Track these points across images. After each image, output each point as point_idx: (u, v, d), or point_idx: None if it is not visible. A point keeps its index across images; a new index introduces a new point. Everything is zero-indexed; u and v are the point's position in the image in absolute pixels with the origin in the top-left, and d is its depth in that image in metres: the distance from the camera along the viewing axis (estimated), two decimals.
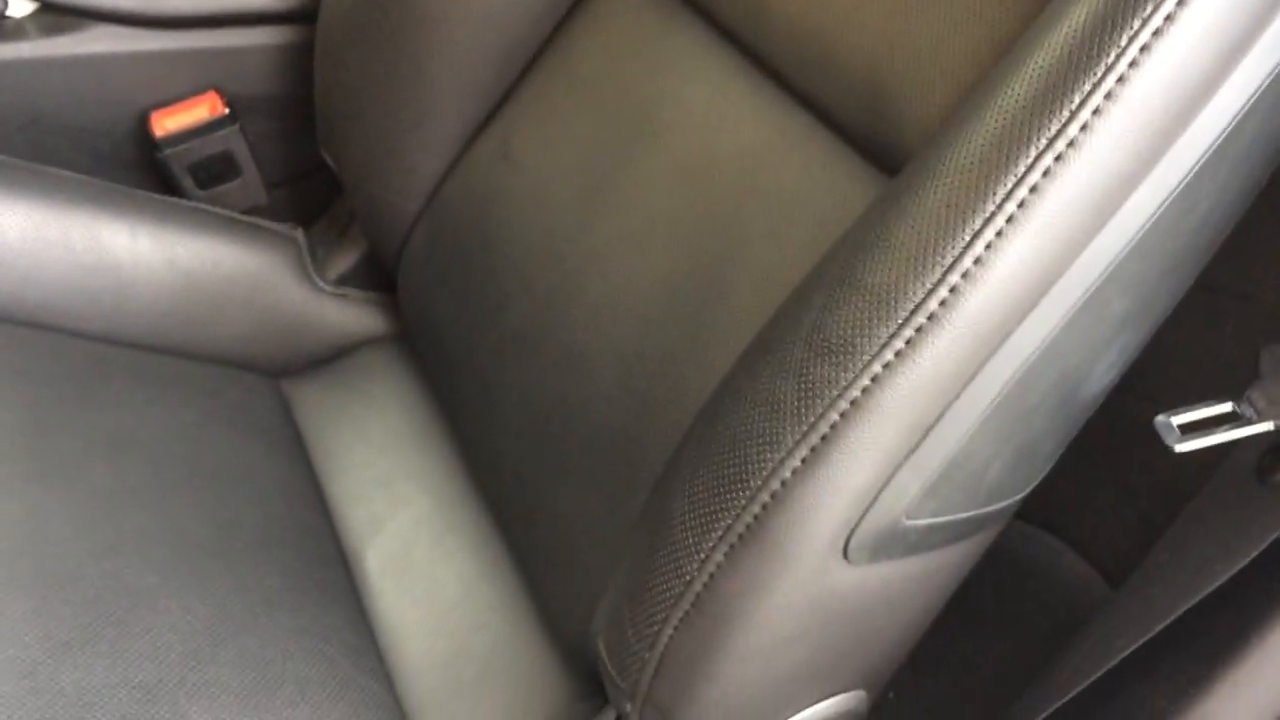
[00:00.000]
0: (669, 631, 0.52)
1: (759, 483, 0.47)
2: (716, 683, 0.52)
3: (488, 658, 0.73)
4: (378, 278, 0.94)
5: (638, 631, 0.53)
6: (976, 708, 0.80)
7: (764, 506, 0.47)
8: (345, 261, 0.93)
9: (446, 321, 0.82)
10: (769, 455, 0.47)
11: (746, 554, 0.48)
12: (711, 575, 0.49)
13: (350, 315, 0.93)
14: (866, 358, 0.44)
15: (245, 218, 0.91)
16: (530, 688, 0.72)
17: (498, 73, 0.81)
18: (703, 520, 0.49)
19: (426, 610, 0.76)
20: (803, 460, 0.46)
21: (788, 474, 0.46)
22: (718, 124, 0.68)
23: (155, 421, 0.78)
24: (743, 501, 0.48)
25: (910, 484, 0.47)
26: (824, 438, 0.45)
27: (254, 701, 0.65)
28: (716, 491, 0.49)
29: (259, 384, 0.89)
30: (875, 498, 0.47)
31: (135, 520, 0.70)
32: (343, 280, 0.93)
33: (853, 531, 0.48)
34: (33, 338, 0.79)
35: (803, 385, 0.46)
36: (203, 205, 0.90)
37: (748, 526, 0.47)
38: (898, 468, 0.46)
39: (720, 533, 0.48)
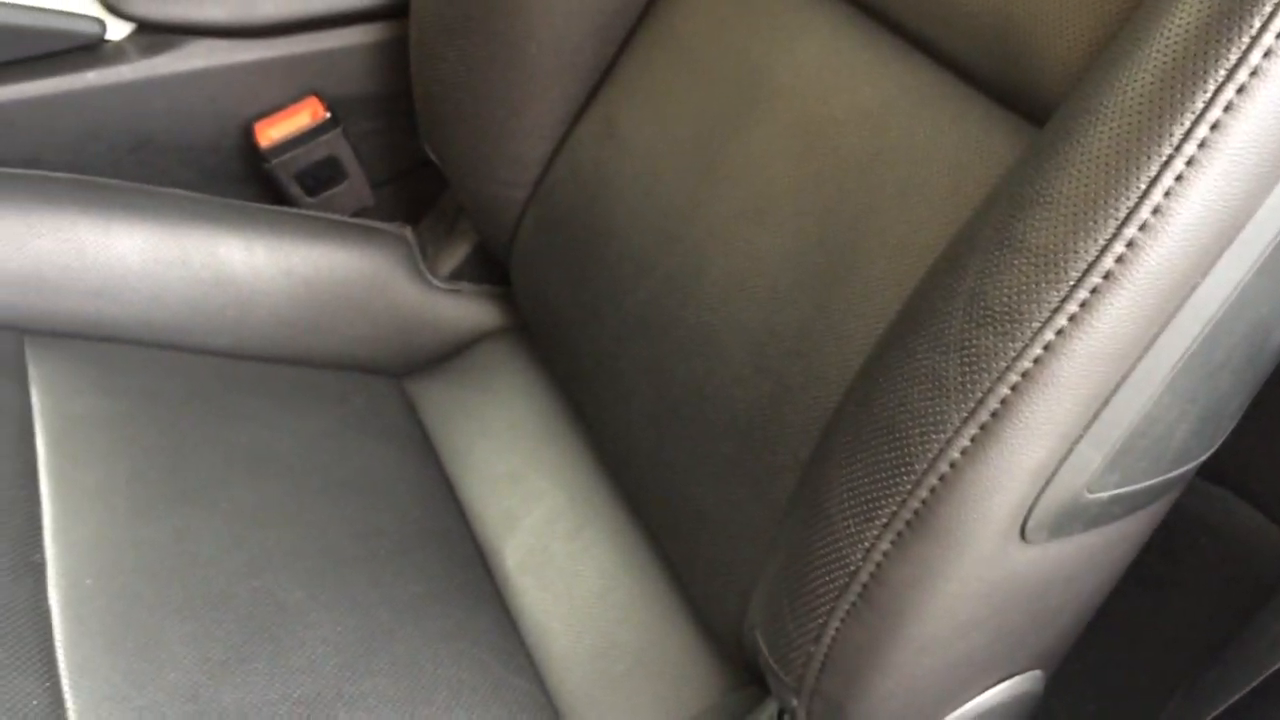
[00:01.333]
0: (835, 624, 0.49)
1: (924, 466, 0.44)
2: (889, 674, 0.50)
3: (637, 650, 0.72)
4: (490, 271, 0.92)
5: (800, 626, 0.51)
6: (1148, 671, 0.76)
7: (931, 490, 0.44)
8: (456, 257, 0.92)
9: (564, 311, 0.80)
10: (933, 437, 0.44)
11: (915, 541, 0.45)
12: (878, 565, 0.47)
13: (465, 310, 0.92)
14: (1036, 325, 0.41)
15: (355, 220, 0.91)
16: (682, 679, 0.70)
17: (597, 48, 0.79)
18: (864, 508, 0.47)
19: (569, 605, 0.75)
20: (971, 440, 0.43)
21: (956, 455, 0.43)
22: (834, 82, 0.64)
23: (288, 433, 0.78)
24: (908, 487, 0.45)
25: (1091, 456, 0.44)
26: (994, 414, 0.42)
27: (411, 708, 0.64)
28: (877, 477, 0.46)
29: (384, 386, 0.88)
30: (1053, 474, 0.44)
31: (279, 535, 0.70)
32: (455, 276, 0.92)
33: (1030, 511, 0.45)
34: (162, 358, 0.80)
35: (965, 359, 0.43)
36: (312, 212, 0.90)
37: (915, 513, 0.45)
38: (1076, 441, 0.43)
39: (885, 520, 0.46)
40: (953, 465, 0.43)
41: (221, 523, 0.70)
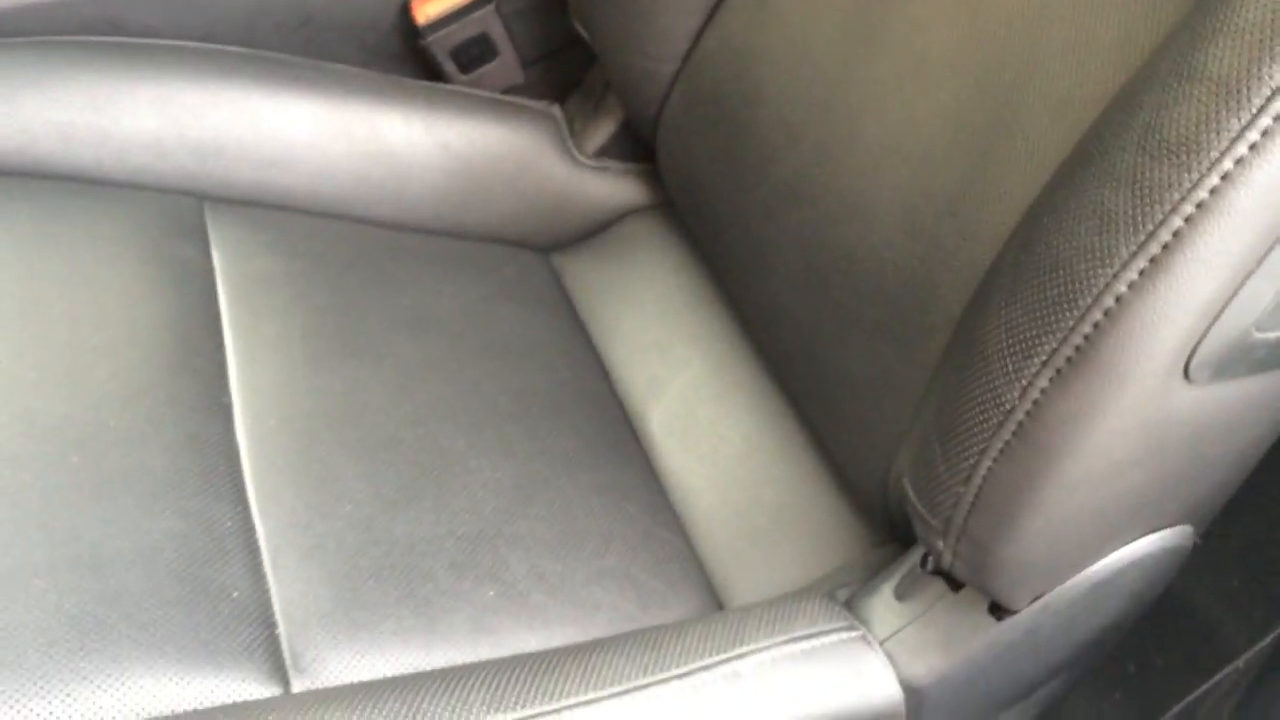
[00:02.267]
0: (987, 463, 0.50)
1: (1089, 300, 0.44)
2: (1039, 513, 0.51)
3: (779, 507, 0.74)
4: (636, 149, 0.94)
5: (951, 466, 0.52)
6: None
7: (1095, 325, 0.44)
8: (602, 134, 0.94)
9: (711, 183, 0.81)
10: (1100, 271, 0.44)
11: (1076, 377, 0.46)
12: (1035, 402, 0.47)
13: (611, 187, 0.94)
14: (1215, 154, 0.41)
15: (505, 98, 0.93)
16: (823, 536, 0.72)
17: None
18: (1023, 346, 0.47)
19: (713, 466, 0.77)
20: (1140, 273, 0.43)
21: (1123, 289, 0.43)
22: None
23: (447, 299, 0.82)
24: (1070, 322, 0.45)
25: (1264, 292, 0.43)
26: (1165, 246, 0.42)
27: (565, 551, 0.68)
28: (1038, 315, 0.46)
29: (532, 259, 0.91)
30: (1222, 309, 0.44)
31: (440, 390, 0.74)
32: (601, 153, 0.94)
33: (1195, 348, 0.45)
34: (330, 226, 0.84)
35: (1138, 192, 0.43)
36: (466, 89, 0.93)
37: (1077, 348, 0.45)
38: (1249, 275, 0.43)
39: (1045, 357, 0.46)
40: (1119, 299, 0.44)
41: (389, 375, 0.74)
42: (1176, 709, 0.72)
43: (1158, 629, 0.79)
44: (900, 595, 0.62)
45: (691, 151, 0.83)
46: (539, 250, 0.94)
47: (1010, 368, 0.48)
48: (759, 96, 0.76)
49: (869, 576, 0.65)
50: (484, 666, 0.55)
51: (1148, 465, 0.50)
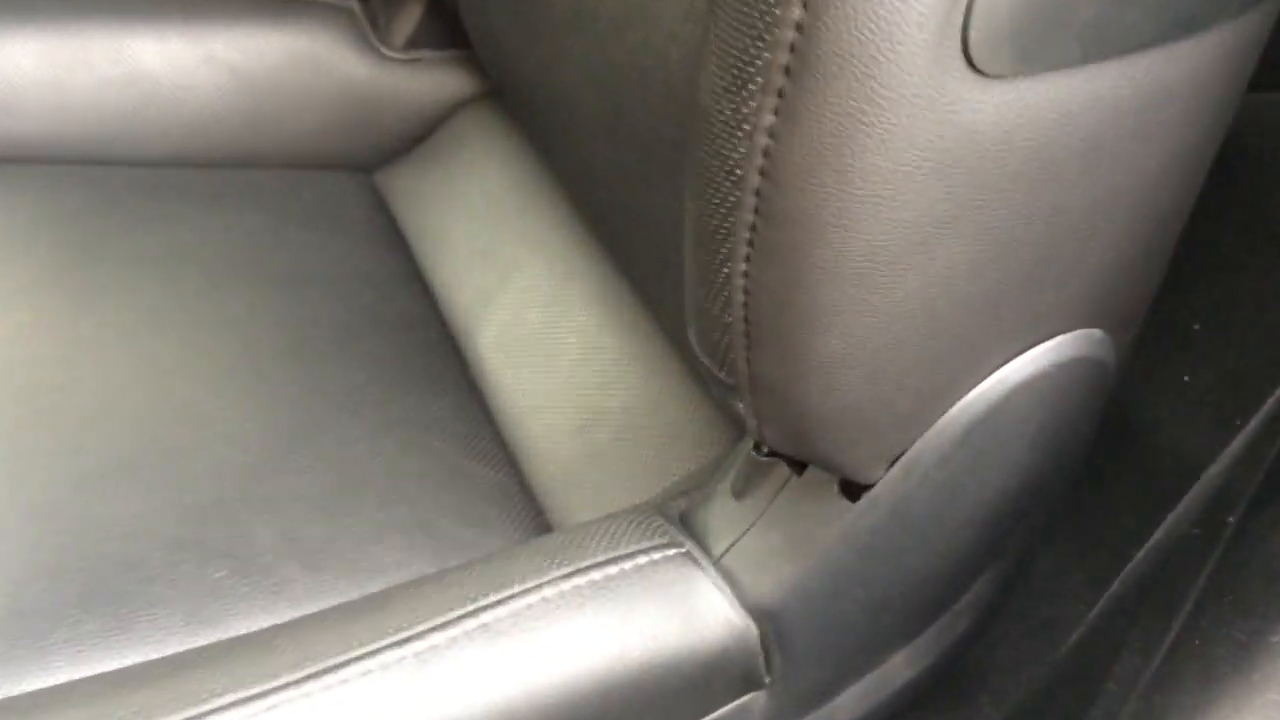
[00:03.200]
0: (740, 268, 0.34)
1: None
2: (832, 330, 0.34)
3: (624, 415, 0.58)
4: (453, 32, 0.78)
5: (709, 288, 0.36)
6: None
7: (800, 22, 0.28)
8: (410, 20, 0.78)
9: (506, 33, 0.66)
10: None
11: (805, 96, 0.29)
12: (767, 152, 0.31)
13: (430, 82, 0.78)
14: None
15: None
16: (677, 438, 0.56)
17: None
18: (734, 72, 0.31)
19: (548, 379, 0.62)
20: None
21: None
22: None
23: (216, 232, 0.67)
24: (766, 24, 0.29)
25: None
26: None
27: (335, 508, 0.53)
28: (740, 18, 0.30)
29: (344, 181, 0.76)
30: None
31: (186, 336, 0.60)
32: (413, 44, 0.78)
33: (969, 9, 0.28)
34: (72, 174, 0.70)
35: None
36: None
37: (792, 48, 0.29)
38: None
39: (759, 76, 0.30)
40: None
41: (122, 328, 0.59)
42: (1148, 545, 0.55)
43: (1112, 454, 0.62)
44: (739, 492, 0.46)
45: (490, 11, 0.68)
46: (360, 170, 0.79)
47: (728, 112, 0.32)
48: None
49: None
50: (99, 679, 0.40)
51: (963, 231, 0.33)
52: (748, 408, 0.39)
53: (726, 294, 0.35)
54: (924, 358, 0.36)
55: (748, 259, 0.34)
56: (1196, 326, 0.59)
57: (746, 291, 0.35)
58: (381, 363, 0.61)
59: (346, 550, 0.51)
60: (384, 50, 0.78)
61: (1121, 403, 0.63)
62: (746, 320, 0.35)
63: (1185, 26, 0.32)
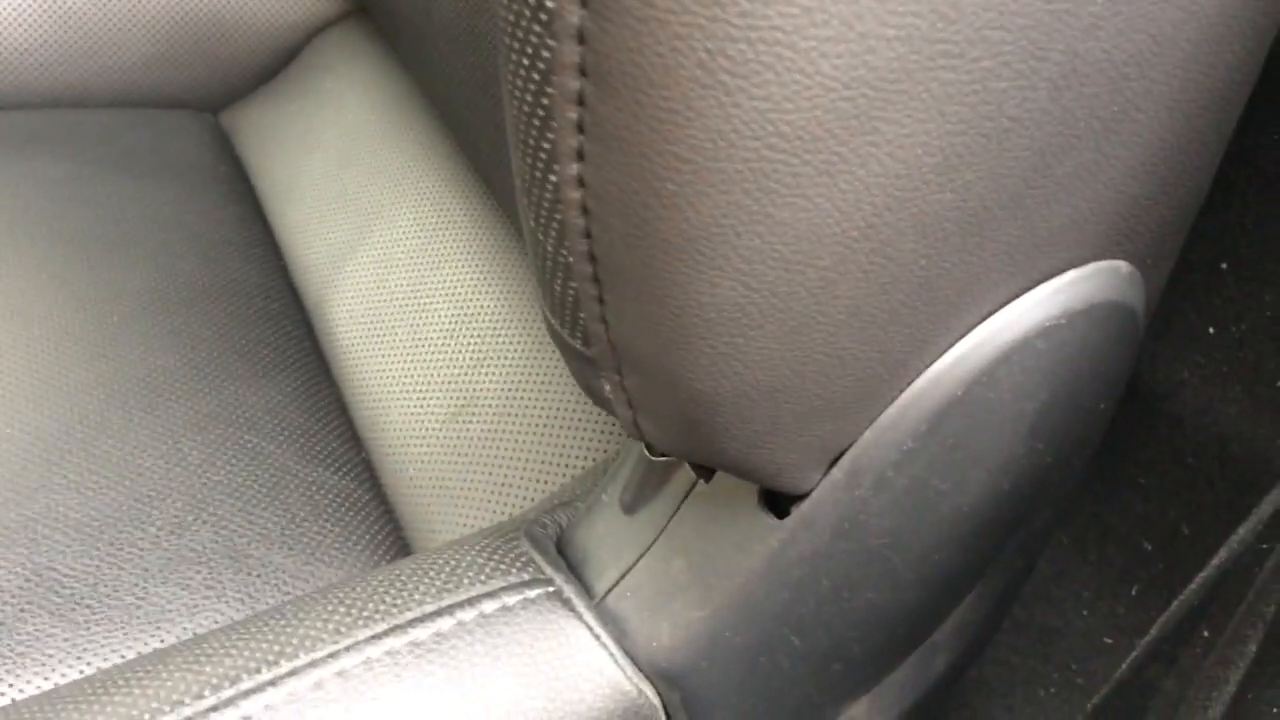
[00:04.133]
0: (571, 170, 0.21)
1: None
2: (714, 265, 0.21)
3: (501, 400, 0.46)
4: None
5: (540, 215, 0.23)
6: None
7: None
8: None
9: None
10: None
11: None
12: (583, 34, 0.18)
13: (286, 0, 0.65)
14: None
15: None
16: (565, 428, 0.43)
17: None
18: None
19: (412, 354, 0.49)
20: None
21: None
22: None
23: (11, 184, 0.54)
24: None
25: None
26: None
27: (110, 532, 0.40)
28: None
29: (183, 121, 0.63)
30: None
31: None
32: None
33: None
34: None
35: None
36: None
37: None
38: None
39: None
40: None
41: None
42: (1201, 577, 0.43)
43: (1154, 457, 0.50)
44: (629, 505, 0.33)
45: None
46: (204, 109, 0.66)
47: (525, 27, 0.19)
48: None
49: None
50: None
51: (922, 98, 0.20)
52: (616, 391, 0.26)
53: (560, 218, 0.22)
54: (869, 307, 0.24)
55: (580, 155, 0.21)
56: (1224, 265, 0.47)
57: (585, 211, 0.22)
58: (200, 342, 0.48)
59: (124, 591, 0.39)
60: None
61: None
62: (593, 258, 0.23)
63: None
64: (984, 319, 0.26)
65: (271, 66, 0.66)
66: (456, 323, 0.49)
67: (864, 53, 0.19)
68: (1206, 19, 0.24)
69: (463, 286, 0.49)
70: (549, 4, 0.19)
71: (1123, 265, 0.28)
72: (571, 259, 0.23)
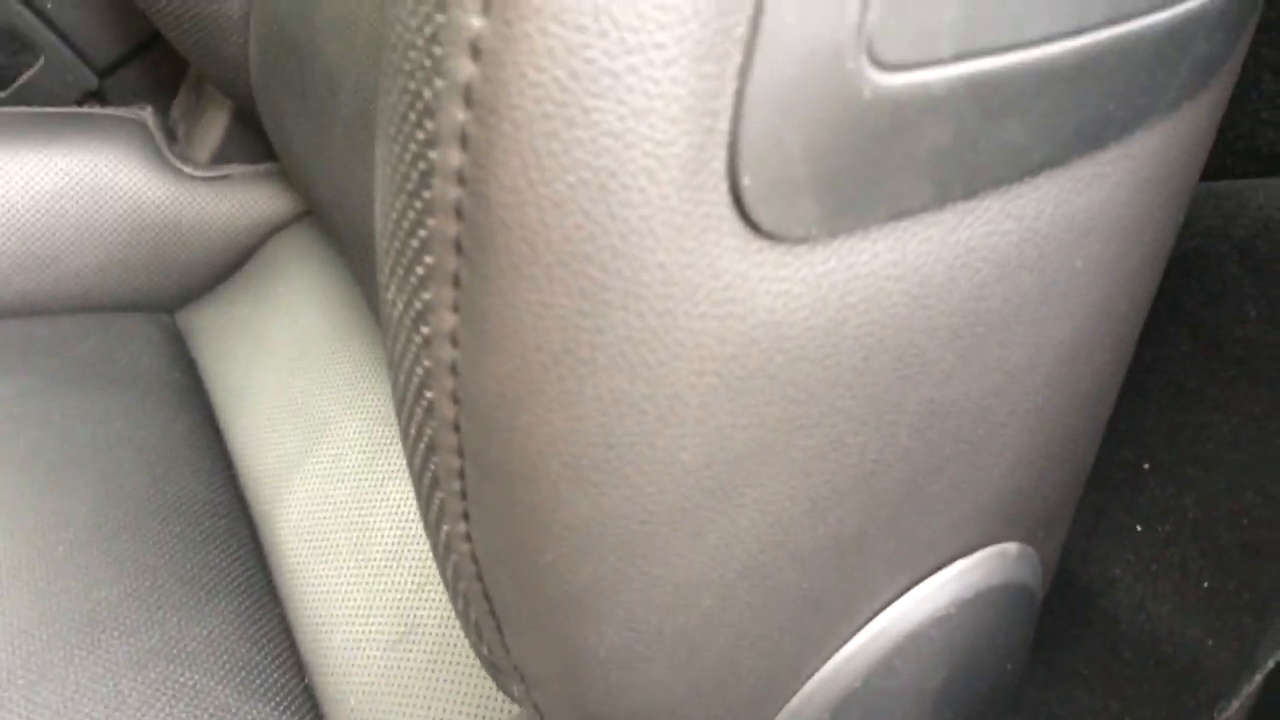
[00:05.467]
0: (461, 528, 0.22)
1: (430, 97, 0.17)
2: (600, 617, 0.22)
3: (441, 628, 0.46)
4: (266, 141, 0.67)
5: (437, 548, 0.24)
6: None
7: (462, 136, 0.17)
8: (216, 130, 0.67)
9: (307, 155, 0.55)
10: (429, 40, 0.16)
11: (484, 293, 0.18)
12: (454, 370, 0.20)
13: (239, 203, 0.67)
14: None
15: (62, 111, 0.67)
16: None
17: None
18: (403, 270, 0.20)
19: (357, 578, 0.49)
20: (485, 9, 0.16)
21: (477, 41, 0.16)
22: None
23: None
24: (423, 134, 0.18)
25: None
26: None
27: None
28: (392, 159, 0.19)
29: (138, 325, 0.64)
30: None
31: None
32: (220, 158, 0.67)
33: (734, 148, 0.17)
34: None
35: None
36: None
37: (458, 239, 0.18)
38: None
39: (425, 270, 0.19)
40: (478, 51, 0.16)
41: None
42: None
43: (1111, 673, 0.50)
44: None
45: (281, 105, 0.57)
46: (161, 310, 0.67)
47: (400, 304, 0.20)
48: (315, 11, 0.50)
49: None
50: None
51: (781, 465, 0.21)
52: (523, 696, 0.27)
53: (454, 560, 0.23)
54: (756, 630, 0.25)
55: (466, 516, 0.22)
56: (1147, 465, 0.49)
57: (476, 561, 0.23)
58: (144, 570, 0.49)
59: None
60: (185, 168, 0.66)
61: (1065, 552, 0.52)
62: (488, 598, 0.24)
63: (1092, 141, 0.22)
64: (872, 618, 0.27)
65: (227, 267, 0.67)
66: (400, 543, 0.49)
67: (720, 440, 0.20)
68: (1063, 345, 0.25)
69: (406, 505, 0.50)
70: (427, 394, 0.21)
71: (1011, 547, 0.29)
72: (470, 595, 0.24)
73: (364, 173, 0.46)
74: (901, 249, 0.20)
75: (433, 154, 0.17)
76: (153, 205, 0.65)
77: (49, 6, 0.67)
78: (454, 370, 0.19)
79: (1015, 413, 0.25)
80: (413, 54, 0.17)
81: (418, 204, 0.18)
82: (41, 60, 0.67)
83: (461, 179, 0.17)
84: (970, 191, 0.20)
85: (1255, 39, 0.40)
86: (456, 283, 0.18)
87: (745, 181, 0.17)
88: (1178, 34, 0.21)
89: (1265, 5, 0.36)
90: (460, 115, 0.17)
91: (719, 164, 0.17)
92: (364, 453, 0.53)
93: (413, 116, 0.18)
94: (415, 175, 0.18)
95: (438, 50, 0.16)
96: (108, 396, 0.58)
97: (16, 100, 0.67)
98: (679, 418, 0.19)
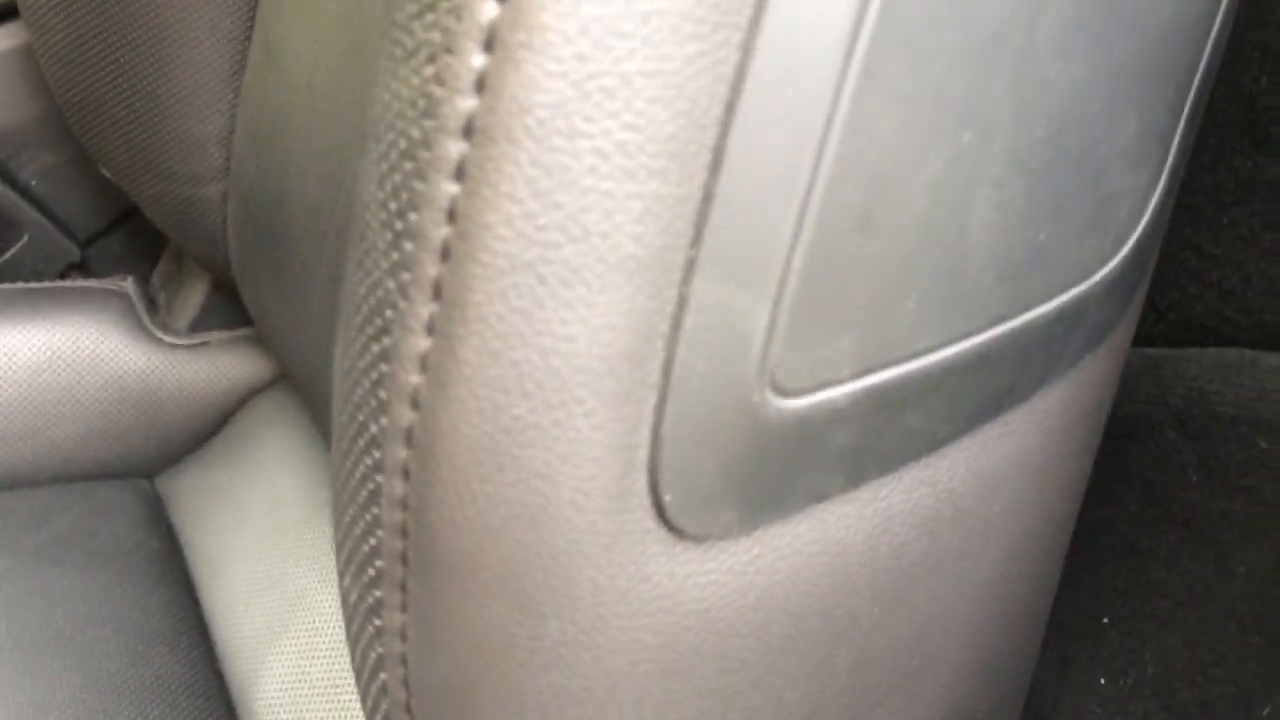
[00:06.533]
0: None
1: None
2: None
3: None
4: (243, 306, 0.69)
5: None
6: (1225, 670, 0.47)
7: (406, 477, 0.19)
8: (196, 298, 0.69)
9: (282, 324, 0.56)
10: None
11: (428, 596, 0.19)
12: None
13: (219, 367, 0.69)
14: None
15: (42, 285, 0.69)
16: None
17: None
18: (354, 572, 0.21)
19: None
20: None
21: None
22: None
23: None
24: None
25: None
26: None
27: None
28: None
29: (117, 494, 0.65)
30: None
31: None
32: (199, 325, 0.69)
33: (654, 470, 0.19)
34: None
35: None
36: None
37: (404, 553, 0.19)
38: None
39: (371, 576, 0.20)
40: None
41: None
42: None
43: None
44: None
45: (258, 281, 0.59)
46: (141, 475, 0.68)
47: (354, 568, 0.22)
48: (283, 186, 0.52)
49: None
50: None
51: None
52: None
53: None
54: None
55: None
56: (1106, 620, 0.50)
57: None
58: None
59: None
60: (165, 336, 0.68)
61: (1035, 695, 0.53)
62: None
63: (996, 410, 0.23)
64: None
65: (206, 431, 0.69)
66: None
67: (659, 715, 0.21)
68: (990, 580, 0.27)
69: None
70: (382, 675, 0.22)
71: None
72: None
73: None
74: (821, 527, 0.22)
75: (379, 478, 0.19)
76: (134, 374, 0.67)
77: (33, 184, 0.69)
78: (404, 661, 0.21)
79: (948, 643, 0.27)
80: (359, 392, 0.19)
81: (368, 516, 0.20)
82: (26, 237, 0.69)
83: (405, 505, 0.19)
84: (883, 470, 0.22)
85: (1175, 220, 0.42)
86: (404, 588, 0.20)
87: (667, 499, 0.19)
88: (1068, 315, 0.23)
89: (1181, 189, 0.38)
90: (402, 453, 0.18)
91: (641, 487, 0.19)
92: (339, 628, 0.54)
93: (360, 444, 0.19)
94: (364, 493, 0.19)
95: (382, 394, 0.18)
96: (87, 573, 0.59)
97: (1, 276, 0.69)
98: (617, 703, 0.21)
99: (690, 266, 0.18)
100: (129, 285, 0.70)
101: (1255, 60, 0.39)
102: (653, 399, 0.18)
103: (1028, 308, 0.22)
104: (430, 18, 0.17)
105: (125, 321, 0.68)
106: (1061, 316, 0.23)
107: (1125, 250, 0.25)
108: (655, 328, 0.18)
